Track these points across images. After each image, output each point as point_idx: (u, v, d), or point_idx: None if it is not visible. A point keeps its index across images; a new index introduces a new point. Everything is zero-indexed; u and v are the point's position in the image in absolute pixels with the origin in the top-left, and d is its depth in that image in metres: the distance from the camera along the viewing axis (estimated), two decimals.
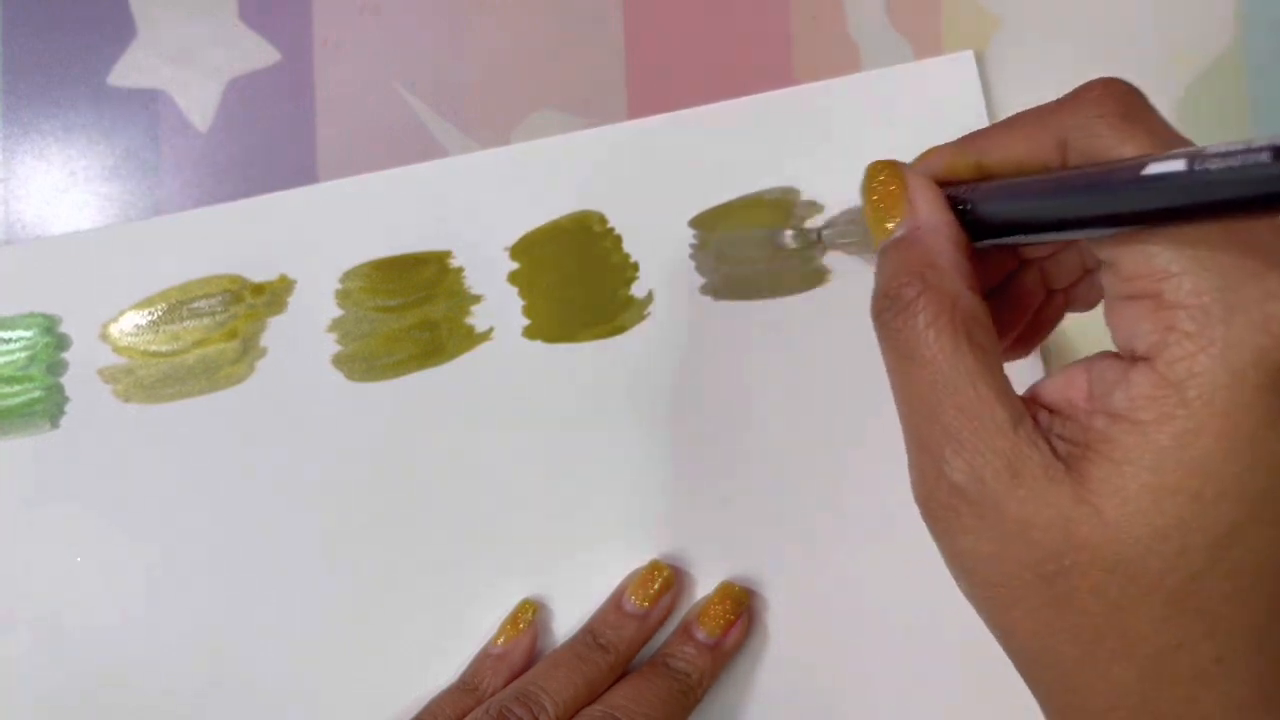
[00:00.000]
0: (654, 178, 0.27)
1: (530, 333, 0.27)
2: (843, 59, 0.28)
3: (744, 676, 0.26)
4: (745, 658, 0.26)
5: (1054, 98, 0.28)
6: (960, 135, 0.25)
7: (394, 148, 0.28)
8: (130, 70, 0.28)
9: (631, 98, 0.28)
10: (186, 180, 0.28)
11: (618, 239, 0.27)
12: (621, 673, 0.25)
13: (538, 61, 0.28)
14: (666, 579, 0.26)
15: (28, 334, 0.27)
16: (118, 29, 0.28)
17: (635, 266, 0.27)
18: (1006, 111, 0.28)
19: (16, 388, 0.27)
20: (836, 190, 0.27)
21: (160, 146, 0.28)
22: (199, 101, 0.28)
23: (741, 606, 0.26)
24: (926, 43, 0.28)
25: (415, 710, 0.25)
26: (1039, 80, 0.28)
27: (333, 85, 0.28)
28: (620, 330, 0.27)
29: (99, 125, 0.28)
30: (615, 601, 0.26)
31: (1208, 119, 0.28)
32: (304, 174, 0.28)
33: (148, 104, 0.28)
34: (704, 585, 0.27)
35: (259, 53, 0.28)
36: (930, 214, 0.20)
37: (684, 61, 0.28)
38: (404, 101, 0.28)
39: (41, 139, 0.28)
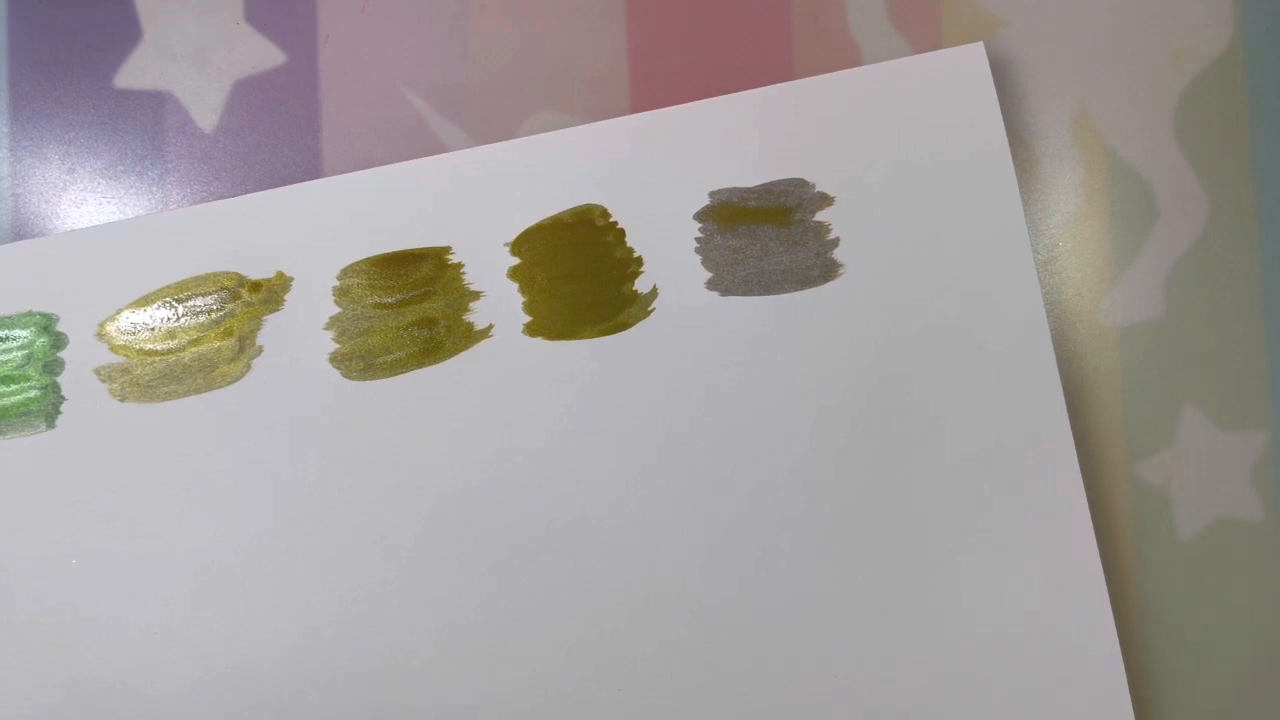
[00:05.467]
0: (658, 171, 0.27)
1: (531, 330, 0.26)
2: (844, 59, 0.28)
3: (754, 687, 0.25)
4: (760, 668, 0.25)
5: (1056, 98, 0.28)
6: (971, 128, 0.24)
7: (399, 148, 0.28)
8: (136, 72, 0.28)
9: (634, 98, 0.28)
10: (192, 182, 0.28)
11: (621, 233, 0.27)
12: None
13: (541, 61, 0.28)
14: None
15: (25, 333, 0.27)
16: (124, 31, 0.28)
17: (639, 261, 0.26)
18: (1009, 110, 0.27)
19: (13, 387, 0.27)
20: (847, 183, 0.26)
21: (166, 148, 0.28)
22: (205, 103, 0.28)
23: None
24: (927, 43, 0.28)
25: (415, 707, 0.24)
26: (1040, 81, 0.28)
27: (338, 87, 0.28)
28: (624, 327, 0.26)
29: (105, 127, 0.28)
30: None
31: (1207, 119, 0.28)
32: (309, 175, 0.28)
33: (154, 105, 0.28)
34: (710, 588, 0.25)
35: (265, 54, 0.28)
36: None
37: (687, 63, 0.28)
38: (408, 102, 0.28)
39: (48, 141, 0.28)
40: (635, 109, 0.28)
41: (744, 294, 0.26)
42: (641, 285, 0.26)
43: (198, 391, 0.26)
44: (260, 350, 0.26)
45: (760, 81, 0.27)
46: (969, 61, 0.27)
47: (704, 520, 0.26)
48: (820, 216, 0.26)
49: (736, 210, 0.27)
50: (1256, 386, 0.27)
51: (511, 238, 0.27)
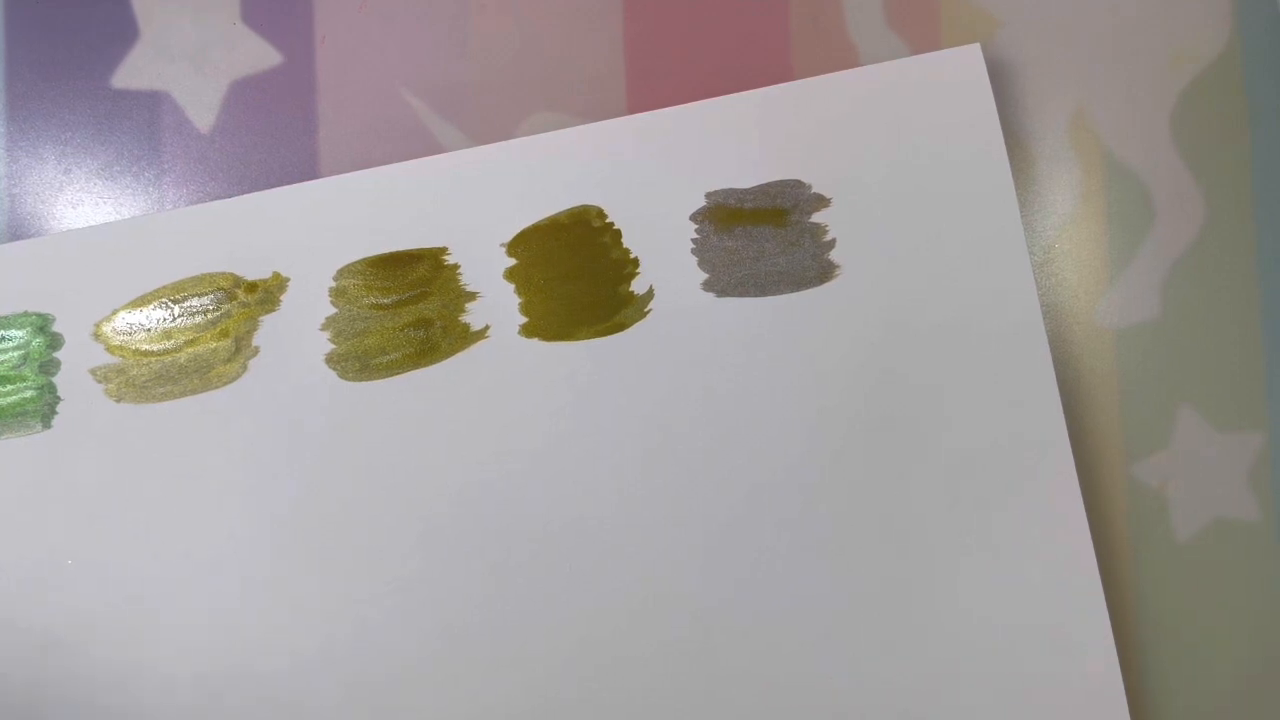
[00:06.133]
0: (655, 171, 0.27)
1: (527, 331, 0.26)
2: (842, 60, 0.28)
3: (751, 687, 0.25)
4: (759, 669, 0.25)
5: (1053, 99, 0.28)
6: (968, 129, 0.24)
7: (396, 149, 0.28)
8: (133, 72, 0.28)
9: (631, 98, 0.28)
10: (189, 182, 0.28)
11: (617, 234, 0.27)
12: None
13: (539, 62, 0.28)
14: None
15: (21, 333, 0.27)
16: (120, 31, 0.28)
17: (635, 262, 0.26)
18: (1006, 111, 0.27)
19: (9, 387, 0.27)
20: (844, 184, 0.26)
21: (162, 148, 0.28)
22: (201, 103, 0.28)
23: None
24: (925, 44, 0.28)
25: (413, 708, 0.24)
26: (1037, 82, 0.28)
27: (335, 87, 0.28)
28: (620, 328, 0.26)
29: (102, 127, 0.28)
30: None
31: (1206, 120, 0.27)
32: (306, 175, 0.28)
33: (150, 106, 0.28)
34: (707, 589, 0.25)
35: (261, 55, 0.28)
36: None
37: (684, 63, 0.28)
38: (406, 103, 0.28)
39: (44, 141, 0.28)
40: (632, 110, 0.28)
41: (740, 295, 0.26)
42: (638, 286, 0.26)
43: (194, 392, 0.26)
44: (256, 351, 0.26)
45: (758, 82, 0.27)
46: (966, 62, 0.27)
47: (701, 521, 0.26)
48: (816, 218, 0.26)
49: (733, 211, 0.26)
50: (1253, 388, 0.27)
51: (508, 238, 0.27)
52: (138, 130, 0.28)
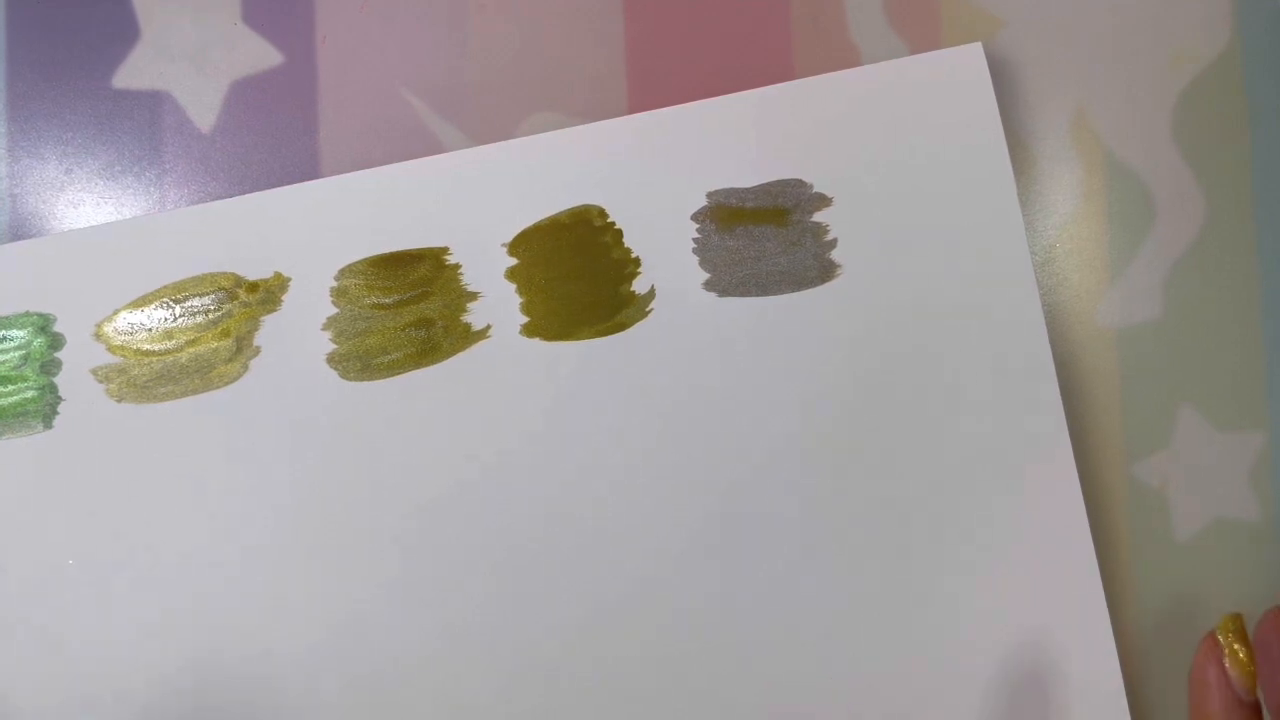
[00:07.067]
0: (656, 171, 0.27)
1: (528, 330, 0.26)
2: (843, 59, 0.28)
3: (752, 686, 0.25)
4: (759, 669, 0.25)
5: (1054, 99, 0.28)
6: (969, 128, 0.24)
7: (397, 149, 0.28)
8: (134, 72, 0.28)
9: (632, 98, 0.28)
10: (190, 182, 0.28)
11: (619, 233, 0.27)
12: None
13: (539, 62, 0.28)
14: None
15: (22, 333, 0.27)
16: (121, 31, 0.28)
17: (637, 262, 0.26)
18: (1008, 111, 0.27)
19: (10, 387, 0.27)
20: (845, 183, 0.26)
21: (163, 148, 0.28)
22: (202, 103, 0.28)
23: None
24: (926, 43, 0.28)
25: (413, 705, 0.24)
26: (1038, 81, 0.28)
27: (336, 87, 0.28)
28: (621, 328, 0.26)
29: (103, 127, 0.28)
30: None
31: (1206, 120, 0.27)
32: (306, 175, 0.28)
33: (151, 106, 0.28)
34: (707, 588, 0.25)
35: (262, 55, 0.28)
36: None
37: (685, 63, 0.28)
38: (406, 103, 0.28)
39: (46, 141, 0.28)
40: (633, 109, 0.28)
41: (741, 295, 0.26)
42: (639, 286, 0.26)
43: (195, 392, 0.26)
44: (257, 351, 0.26)
45: (758, 82, 0.27)
46: (967, 62, 0.27)
47: (702, 520, 0.26)
48: (818, 217, 0.26)
49: (734, 211, 0.26)
50: (1254, 387, 0.27)
51: (509, 238, 0.27)
52: (139, 130, 0.28)
